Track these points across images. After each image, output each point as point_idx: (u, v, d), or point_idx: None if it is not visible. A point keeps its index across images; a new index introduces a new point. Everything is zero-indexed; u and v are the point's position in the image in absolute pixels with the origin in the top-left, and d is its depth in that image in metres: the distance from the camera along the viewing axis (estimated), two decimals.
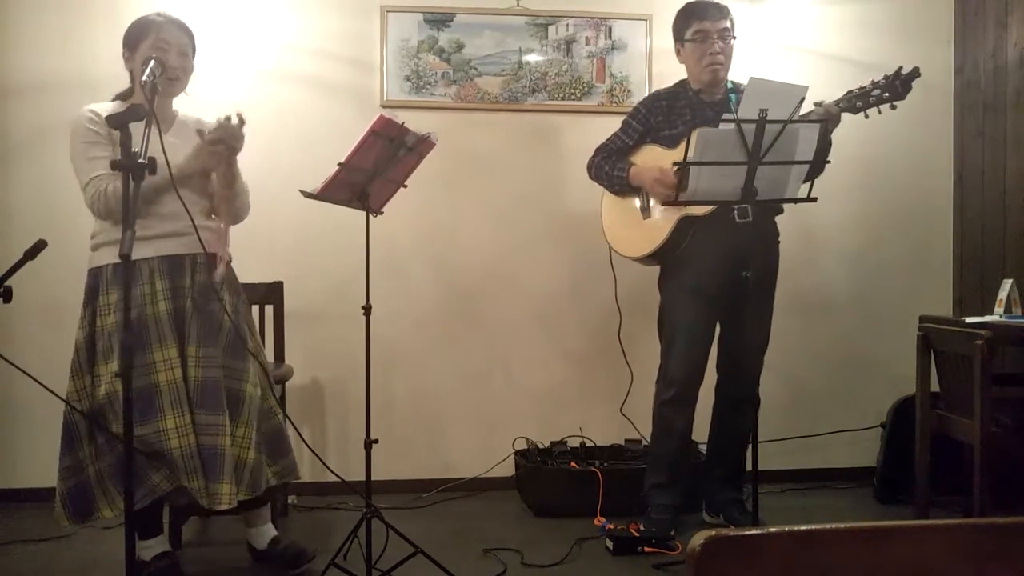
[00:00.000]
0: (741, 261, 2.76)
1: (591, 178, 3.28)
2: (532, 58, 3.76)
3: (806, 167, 2.63)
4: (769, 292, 3.14)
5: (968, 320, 3.07)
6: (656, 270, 3.25)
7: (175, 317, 2.51)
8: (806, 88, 2.68)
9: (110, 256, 2.50)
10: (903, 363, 3.41)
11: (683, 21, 3.15)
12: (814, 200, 2.64)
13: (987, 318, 3.11)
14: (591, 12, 3.77)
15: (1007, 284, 3.19)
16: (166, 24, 2.60)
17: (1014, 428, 2.96)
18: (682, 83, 3.22)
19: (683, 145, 3.00)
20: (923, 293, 3.92)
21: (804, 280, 3.90)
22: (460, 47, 3.72)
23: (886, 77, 2.65)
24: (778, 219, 3.25)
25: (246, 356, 2.62)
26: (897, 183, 3.95)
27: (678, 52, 3.20)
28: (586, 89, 3.78)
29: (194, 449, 2.46)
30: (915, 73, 2.60)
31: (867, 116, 2.70)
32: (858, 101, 2.67)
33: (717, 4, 3.13)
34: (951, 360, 3.02)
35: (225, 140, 2.49)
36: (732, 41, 3.12)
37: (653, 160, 3.12)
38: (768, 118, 2.49)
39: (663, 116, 3.15)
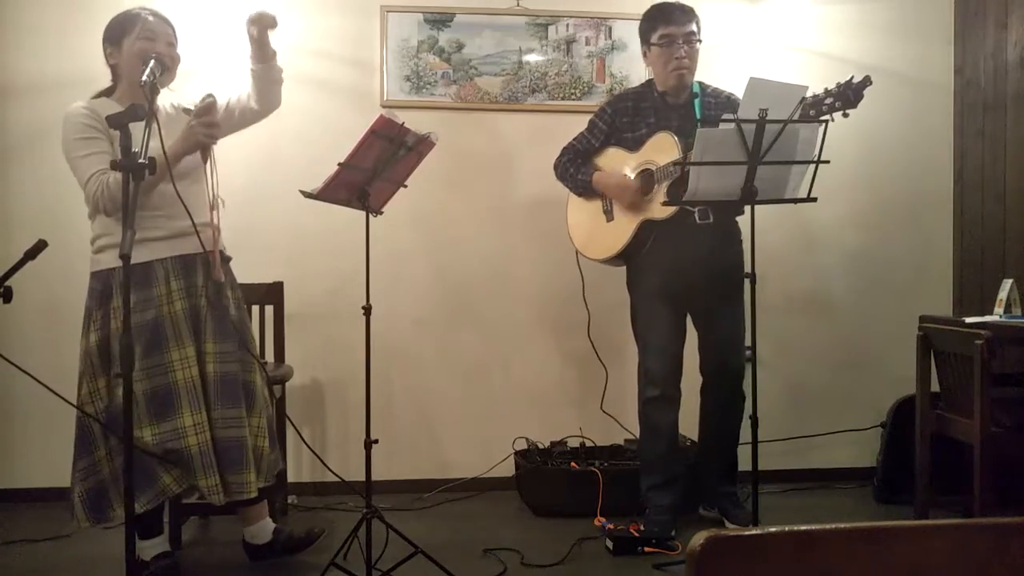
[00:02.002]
0: (705, 261, 2.97)
1: (557, 178, 3.31)
2: (532, 58, 3.76)
3: (806, 167, 2.64)
4: (737, 289, 3.13)
5: (968, 320, 3.06)
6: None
7: (191, 315, 2.54)
8: (806, 88, 2.68)
9: (118, 258, 2.50)
10: (903, 363, 3.41)
11: (649, 25, 3.14)
12: (814, 200, 2.64)
13: (987, 318, 3.11)
14: (591, 12, 3.77)
15: (1007, 284, 3.18)
16: (150, 15, 2.61)
17: (1014, 428, 2.95)
18: (649, 83, 3.24)
19: (646, 147, 3.05)
20: (923, 293, 3.92)
21: (804, 280, 3.90)
22: (460, 47, 3.72)
23: (838, 85, 2.65)
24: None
25: (252, 349, 2.68)
26: (897, 183, 3.94)
27: (644, 55, 3.21)
28: (586, 89, 3.78)
29: (210, 446, 2.48)
30: (866, 82, 2.61)
31: (820, 123, 2.70)
32: (811, 109, 2.68)
33: (683, 8, 3.13)
34: (951, 360, 3.02)
35: (211, 117, 2.52)
36: (698, 45, 3.11)
37: (616, 162, 3.17)
38: (768, 118, 2.49)
39: (628, 118, 3.16)
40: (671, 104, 3.14)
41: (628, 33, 3.78)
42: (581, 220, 3.30)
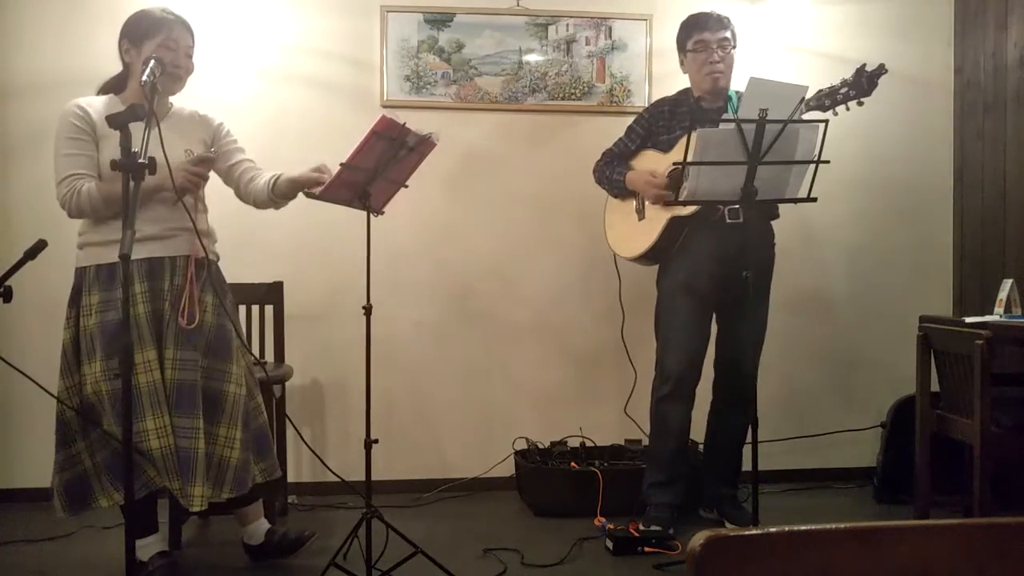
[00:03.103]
0: (733, 261, 2.89)
1: (596, 181, 3.35)
2: (532, 58, 3.76)
3: (806, 167, 2.64)
4: (763, 292, 3.16)
5: (968, 320, 3.06)
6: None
7: (153, 320, 2.51)
8: (806, 88, 2.68)
9: (93, 257, 2.52)
10: (903, 363, 3.41)
11: (685, 33, 3.22)
12: (814, 200, 2.64)
13: (987, 318, 3.11)
14: (591, 12, 3.77)
15: (1007, 284, 3.18)
16: (176, 24, 2.59)
17: (1014, 428, 2.95)
18: (685, 91, 3.29)
19: (677, 148, 3.07)
20: (923, 293, 3.92)
21: (804, 280, 3.90)
22: (460, 47, 3.72)
23: (854, 74, 2.67)
24: (779, 218, 3.27)
25: (229, 357, 2.62)
26: (897, 182, 3.95)
27: (681, 63, 3.28)
28: (586, 89, 3.78)
29: (173, 450, 2.47)
30: (880, 70, 2.63)
31: (836, 114, 2.71)
32: (827, 99, 2.71)
33: (718, 16, 3.20)
34: (951, 360, 3.02)
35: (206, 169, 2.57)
36: (732, 51, 3.18)
37: (648, 163, 3.21)
38: (768, 118, 2.49)
39: (664, 121, 3.22)
40: (706, 109, 3.19)
41: (628, 33, 3.79)
42: (615, 220, 3.35)
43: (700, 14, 3.23)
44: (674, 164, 2.91)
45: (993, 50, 3.72)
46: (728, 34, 3.17)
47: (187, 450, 2.48)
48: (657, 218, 3.13)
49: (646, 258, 3.23)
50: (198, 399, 2.52)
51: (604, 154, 3.33)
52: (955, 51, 3.95)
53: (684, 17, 3.26)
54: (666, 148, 3.16)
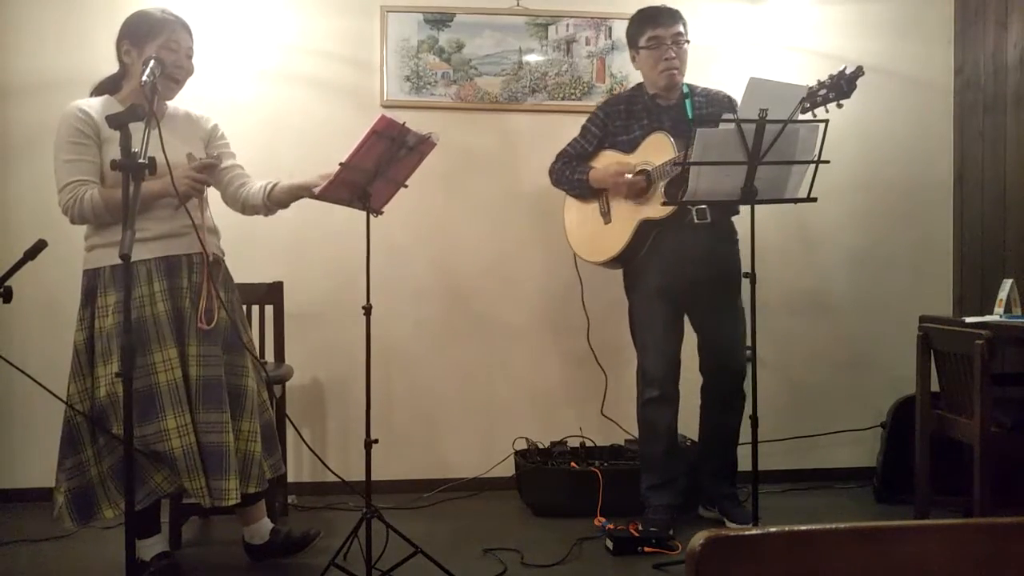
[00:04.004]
0: (702, 260, 3.02)
1: (553, 184, 3.33)
2: (532, 58, 3.76)
3: (805, 167, 2.64)
4: (735, 289, 3.14)
5: (968, 320, 3.06)
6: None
7: (174, 317, 2.51)
8: (806, 88, 2.68)
9: (106, 258, 2.50)
10: (903, 363, 3.41)
11: (637, 28, 3.17)
12: (814, 200, 2.64)
13: (987, 318, 3.11)
14: (591, 12, 3.77)
15: (1007, 284, 3.19)
16: (177, 25, 2.58)
17: (1014, 428, 2.95)
18: (639, 87, 3.26)
19: (641, 148, 3.09)
20: (923, 293, 3.92)
21: (804, 280, 3.90)
22: (460, 47, 3.72)
23: (831, 76, 2.68)
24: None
25: (244, 351, 2.64)
26: (897, 183, 3.94)
27: (633, 59, 3.23)
28: (586, 89, 3.78)
29: (195, 448, 2.46)
30: (859, 72, 2.63)
31: (815, 115, 2.71)
32: (806, 101, 2.70)
33: (670, 10, 3.15)
34: (951, 360, 3.02)
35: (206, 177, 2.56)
36: (686, 45, 3.14)
37: (611, 164, 3.16)
38: (768, 118, 2.49)
39: (621, 121, 3.18)
40: (662, 106, 3.16)
41: None
42: (579, 223, 3.31)
43: (651, 8, 3.16)
44: (675, 163, 2.91)
45: (993, 50, 3.72)
46: (681, 28, 3.12)
47: (218, 444, 2.48)
48: (626, 221, 3.11)
49: (615, 262, 3.21)
50: (224, 394, 2.53)
51: (559, 156, 3.28)
52: (955, 51, 3.95)
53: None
54: (628, 149, 3.14)
